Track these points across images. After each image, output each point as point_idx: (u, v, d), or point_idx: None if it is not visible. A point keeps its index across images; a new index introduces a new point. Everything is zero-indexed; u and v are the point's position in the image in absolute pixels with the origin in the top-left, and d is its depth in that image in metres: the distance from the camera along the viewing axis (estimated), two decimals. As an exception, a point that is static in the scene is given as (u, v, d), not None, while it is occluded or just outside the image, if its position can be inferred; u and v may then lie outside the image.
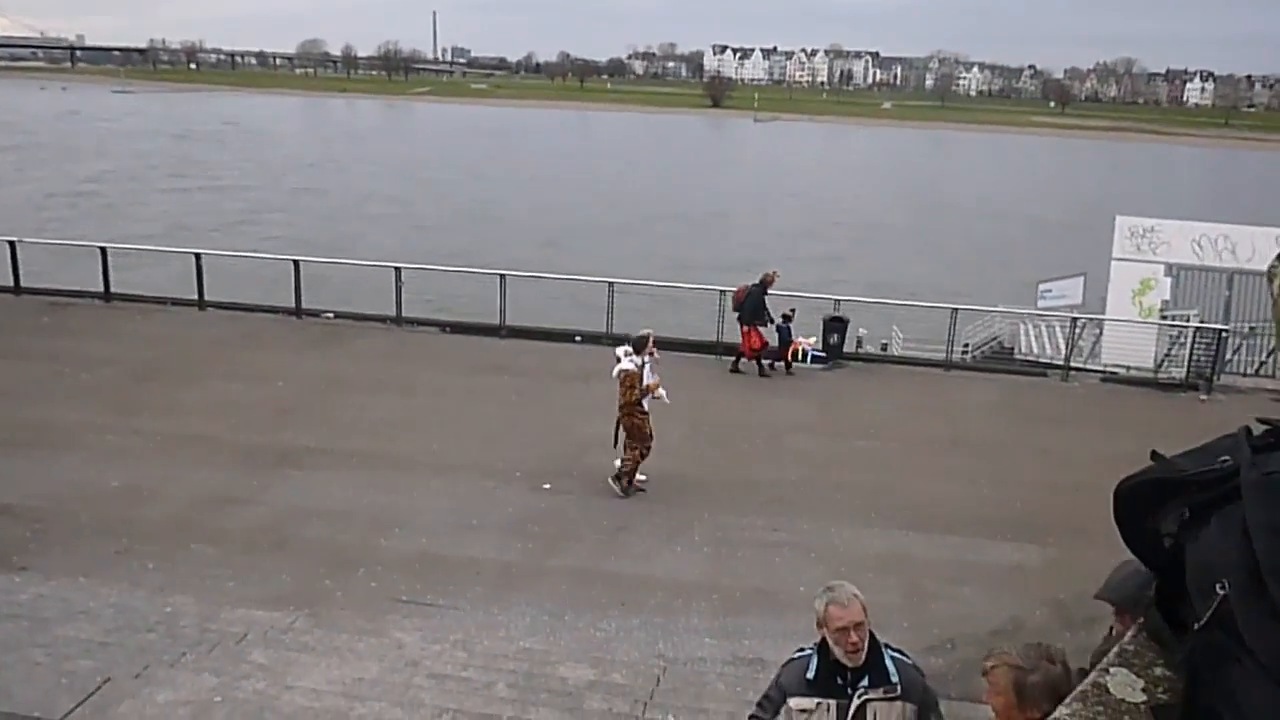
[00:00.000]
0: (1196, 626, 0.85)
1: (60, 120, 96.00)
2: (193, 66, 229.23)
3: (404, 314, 17.99)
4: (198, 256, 18.56)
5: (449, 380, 14.92)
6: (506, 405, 13.87)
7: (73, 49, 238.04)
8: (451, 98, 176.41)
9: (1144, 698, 0.95)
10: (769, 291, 16.18)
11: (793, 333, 16.74)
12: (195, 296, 18.27)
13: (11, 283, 18.67)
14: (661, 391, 10.99)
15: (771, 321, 16.30)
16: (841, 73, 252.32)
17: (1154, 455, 1.01)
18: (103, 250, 18.65)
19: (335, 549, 9.38)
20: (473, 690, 7.06)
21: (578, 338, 17.61)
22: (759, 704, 4.09)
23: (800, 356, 16.87)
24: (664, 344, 17.53)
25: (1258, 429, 1.00)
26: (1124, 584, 4.07)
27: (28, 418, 12.34)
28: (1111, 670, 0.99)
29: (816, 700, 3.87)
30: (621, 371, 10.85)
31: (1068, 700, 0.97)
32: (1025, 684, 3.15)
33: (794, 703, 3.92)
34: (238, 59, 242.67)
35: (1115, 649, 1.04)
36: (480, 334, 17.70)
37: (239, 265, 22.78)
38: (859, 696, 3.83)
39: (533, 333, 17.76)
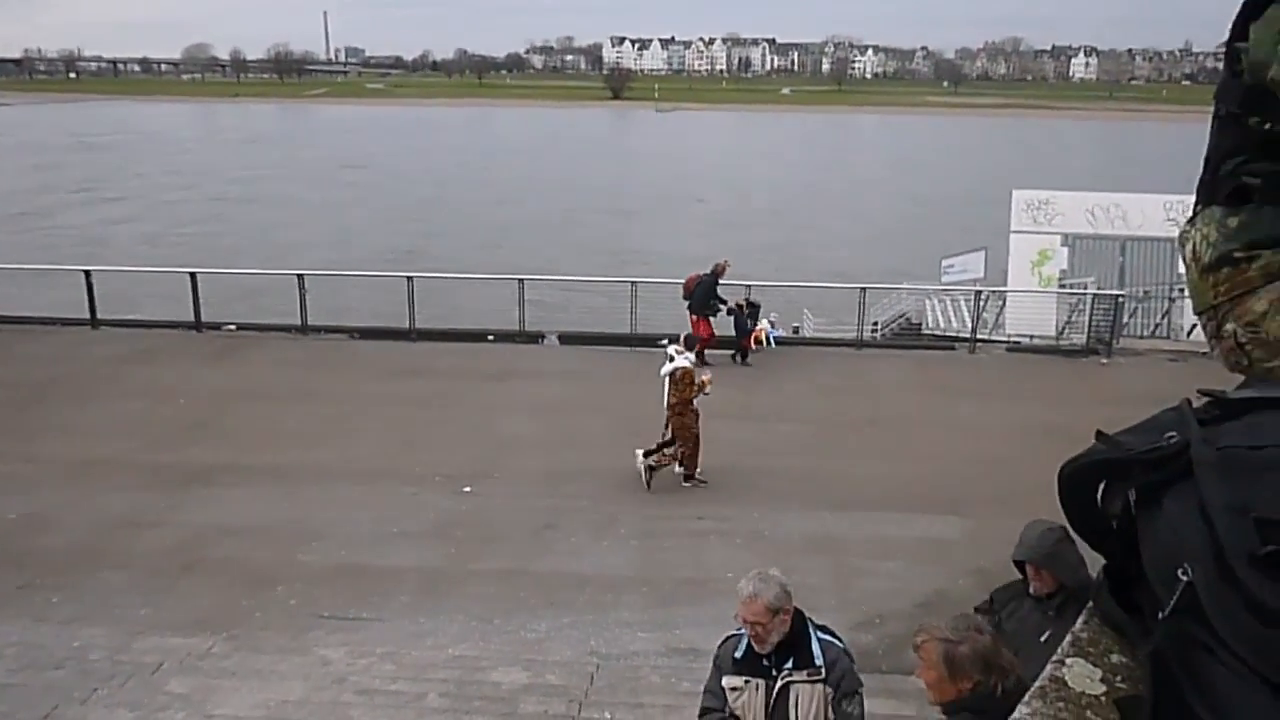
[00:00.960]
0: (1161, 616, 0.82)
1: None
2: (72, 75, 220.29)
3: (310, 321, 17.55)
4: (87, 274, 17.79)
5: (361, 386, 14.59)
6: (421, 408, 13.62)
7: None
8: (348, 99, 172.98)
9: (1104, 689, 0.92)
10: (720, 281, 16.15)
11: (750, 321, 16.59)
12: (87, 315, 17.54)
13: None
14: (710, 388, 11.12)
15: (722, 311, 16.20)
16: (740, 60, 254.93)
17: (1099, 435, 0.97)
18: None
19: (252, 567, 9.08)
20: (403, 703, 6.92)
21: (490, 337, 17.42)
22: (706, 692, 4.17)
23: (765, 342, 16.85)
24: (580, 338, 17.61)
25: (1198, 400, 0.97)
26: (1039, 543, 4.18)
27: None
28: (1068, 661, 0.96)
29: (745, 679, 4.01)
30: (678, 369, 10.86)
31: (1026, 698, 0.93)
32: (955, 655, 3.21)
33: (725, 681, 4.07)
34: (120, 66, 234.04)
35: (1069, 638, 1.00)
36: (390, 338, 17.37)
37: (139, 282, 21.97)
38: (782, 678, 3.96)
39: (444, 334, 17.51)
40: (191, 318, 17.47)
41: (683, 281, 16.46)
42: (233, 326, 17.73)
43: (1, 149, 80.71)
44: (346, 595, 8.63)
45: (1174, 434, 0.90)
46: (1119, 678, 0.93)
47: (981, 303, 18.85)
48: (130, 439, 12.16)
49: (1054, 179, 35.68)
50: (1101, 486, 0.99)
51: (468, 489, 10.88)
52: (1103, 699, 0.91)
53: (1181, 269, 1.20)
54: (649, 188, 59.84)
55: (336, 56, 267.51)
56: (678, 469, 11.02)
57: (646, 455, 11.00)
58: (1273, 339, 1.09)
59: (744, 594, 3.93)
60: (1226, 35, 1.14)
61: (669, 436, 11.10)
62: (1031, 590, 4.24)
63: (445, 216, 46.20)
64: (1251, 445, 0.83)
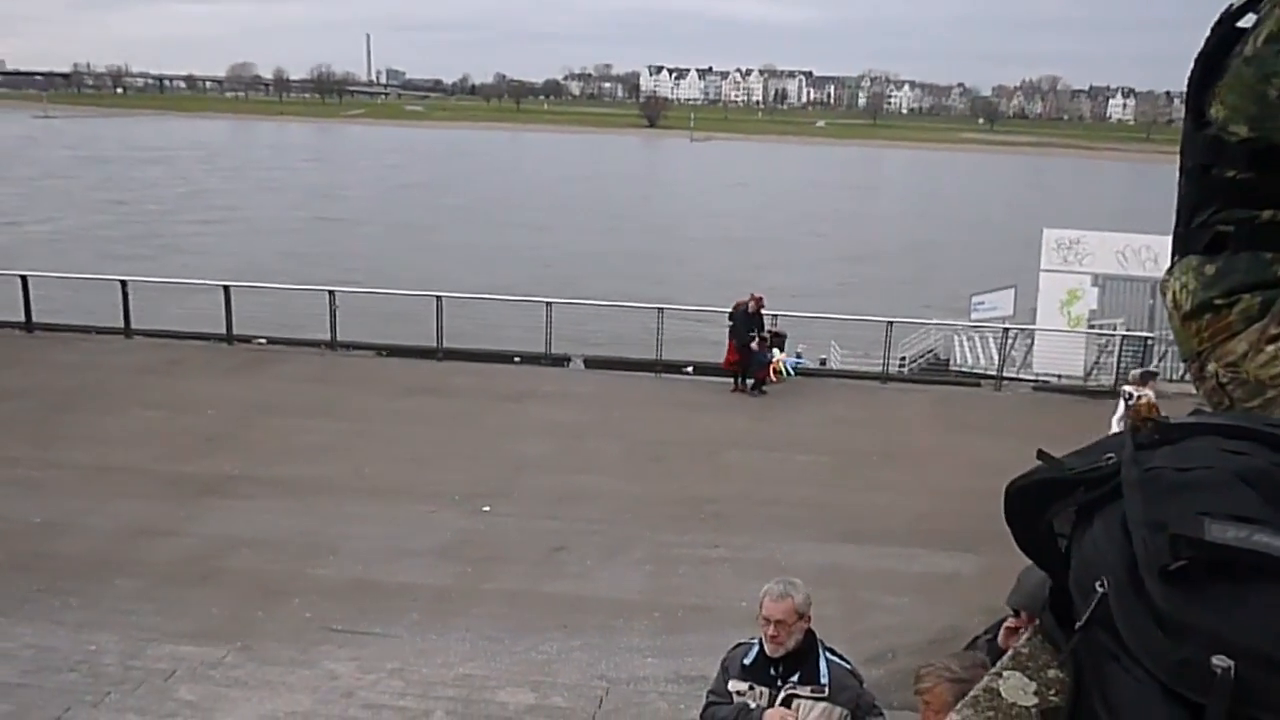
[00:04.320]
0: (1077, 625, 0.83)
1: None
2: (119, 90, 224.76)
3: (339, 338, 17.73)
4: (124, 284, 18.12)
5: (383, 403, 14.69)
6: (442, 427, 13.70)
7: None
8: (386, 120, 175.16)
9: (1035, 700, 0.93)
10: (755, 313, 16.11)
11: (772, 352, 16.49)
12: (122, 324, 17.83)
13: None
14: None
15: (752, 342, 16.08)
16: (776, 92, 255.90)
17: (1040, 454, 0.99)
18: (23, 279, 18.10)
19: (266, 579, 9.14)
20: (410, 719, 6.92)
21: (516, 359, 17.52)
22: (712, 691, 4.26)
23: (784, 373, 16.73)
24: (605, 362, 17.66)
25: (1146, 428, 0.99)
26: (1036, 591, 4.12)
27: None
28: (1005, 674, 0.97)
29: (749, 684, 4.08)
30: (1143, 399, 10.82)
31: (959, 707, 0.94)
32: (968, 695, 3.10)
33: (731, 685, 4.14)
34: (166, 83, 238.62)
35: (1010, 652, 1.01)
36: (417, 357, 17.51)
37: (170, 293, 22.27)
38: (786, 689, 4.01)
39: (471, 354, 17.62)
40: (223, 330, 17.73)
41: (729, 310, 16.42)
42: (263, 340, 17.95)
43: (73, 160, 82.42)
44: (358, 610, 8.65)
45: (1112, 455, 0.92)
46: (1052, 691, 0.94)
47: (1009, 341, 18.77)
48: (150, 448, 12.30)
49: (1086, 219, 35.53)
50: (1044, 505, 1.00)
51: (486, 508, 10.91)
52: (1032, 710, 0.92)
53: None
54: (751, 218, 59.77)
55: (377, 78, 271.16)
56: None
57: None
58: (1253, 379, 1.12)
59: (774, 593, 4.02)
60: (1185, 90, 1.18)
61: None
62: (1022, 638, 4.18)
63: (558, 244, 46.10)
64: (1178, 467, 0.85)
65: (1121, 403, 11.06)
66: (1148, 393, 10.89)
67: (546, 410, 14.74)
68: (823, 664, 4.06)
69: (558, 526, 10.50)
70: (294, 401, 14.59)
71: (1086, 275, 19.29)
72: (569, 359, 17.63)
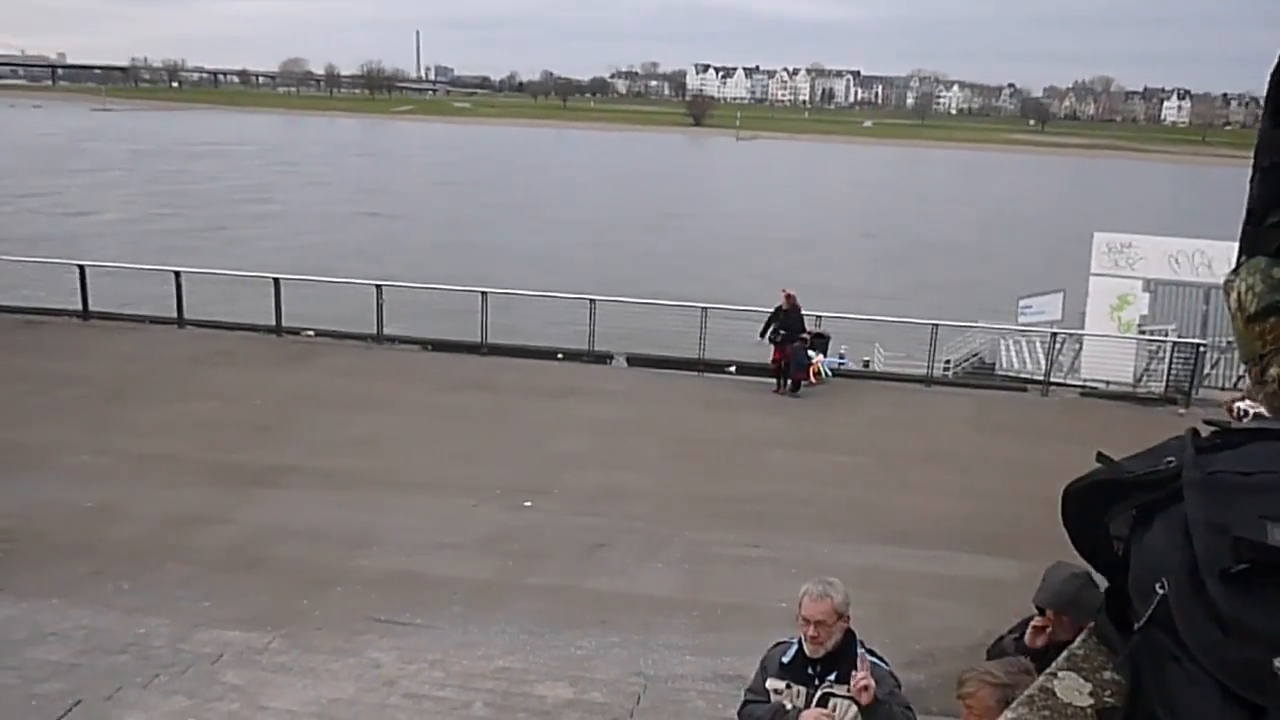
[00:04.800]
0: (1136, 626, 0.84)
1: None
2: (174, 85, 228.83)
3: (384, 331, 17.94)
4: (177, 275, 18.47)
5: (428, 397, 14.85)
6: (485, 422, 13.81)
7: (54, 67, 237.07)
8: (434, 116, 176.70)
9: (1091, 701, 0.93)
10: (790, 311, 16.08)
11: (812, 353, 16.34)
12: (175, 314, 18.18)
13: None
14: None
15: (778, 342, 16.05)
16: (823, 91, 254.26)
17: (1100, 457, 1.00)
18: (81, 269, 18.53)
19: (311, 568, 9.28)
20: (449, 709, 7.00)
21: (559, 355, 17.61)
22: (750, 690, 4.31)
23: (822, 374, 16.53)
24: (648, 360, 17.68)
25: (1205, 430, 1.00)
26: (1062, 589, 4.09)
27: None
28: (1059, 674, 0.98)
29: (787, 683, 4.11)
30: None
31: (1014, 705, 0.95)
32: (1012, 700, 3.05)
33: (769, 683, 4.17)
34: (220, 77, 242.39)
35: (1064, 654, 1.02)
36: (461, 351, 17.66)
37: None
38: (823, 689, 4.03)
39: (514, 350, 17.74)
40: (273, 322, 18.02)
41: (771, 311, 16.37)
42: (311, 332, 18.20)
43: (132, 154, 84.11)
44: (400, 601, 8.76)
45: (1172, 459, 0.92)
46: (1108, 692, 0.95)
47: (1057, 345, 18.50)
48: (202, 437, 12.53)
49: (1138, 223, 34.93)
50: (1103, 508, 1.01)
51: (528, 504, 10.99)
52: (1088, 711, 0.93)
53: None
54: (796, 218, 59.60)
55: (426, 75, 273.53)
56: None
57: None
58: None
59: (813, 593, 4.05)
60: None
61: None
62: (1050, 636, 4.15)
63: (603, 243, 45.95)
64: (1240, 471, 0.85)
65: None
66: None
67: (588, 407, 14.81)
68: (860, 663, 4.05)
69: (598, 523, 10.55)
70: (341, 394, 14.79)
71: (1138, 280, 18.95)
72: (611, 356, 17.68)
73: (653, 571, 9.58)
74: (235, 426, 13.03)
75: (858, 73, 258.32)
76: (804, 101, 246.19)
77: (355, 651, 7.82)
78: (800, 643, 4.10)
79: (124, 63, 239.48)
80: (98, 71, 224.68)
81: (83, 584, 8.69)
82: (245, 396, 14.29)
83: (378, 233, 47.05)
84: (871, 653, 4.16)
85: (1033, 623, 4.21)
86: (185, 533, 9.89)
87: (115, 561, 9.14)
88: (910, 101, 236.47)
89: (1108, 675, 0.97)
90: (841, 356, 18.78)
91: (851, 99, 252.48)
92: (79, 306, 18.33)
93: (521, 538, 10.16)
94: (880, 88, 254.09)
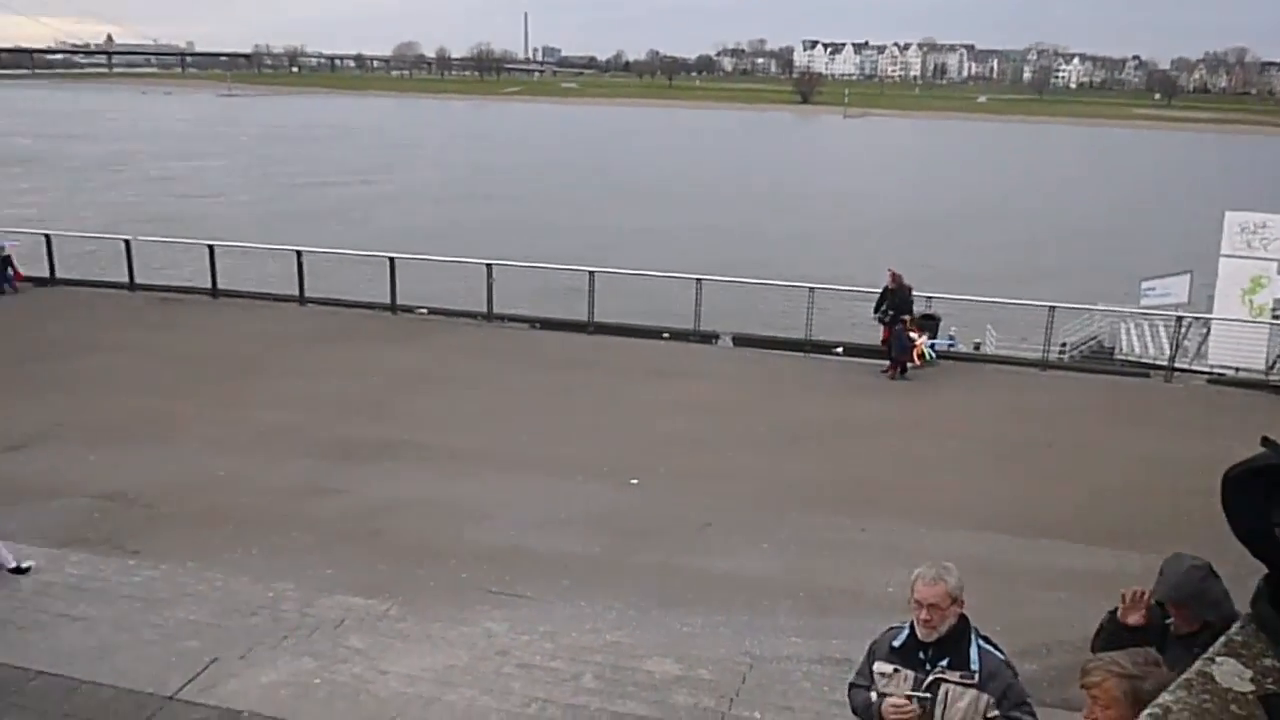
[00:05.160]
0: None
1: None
2: (295, 70, 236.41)
3: (495, 310, 18.29)
4: (299, 254, 19.17)
5: (538, 375, 15.11)
6: (592, 400, 14.00)
7: (183, 55, 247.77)
8: (542, 97, 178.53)
9: (1252, 687, 0.93)
10: (898, 290, 15.82)
11: (910, 337, 15.92)
12: (297, 292, 18.90)
13: (126, 279, 19.61)
14: None
15: (887, 322, 15.77)
16: (935, 67, 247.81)
17: (1265, 441, 0.99)
18: (210, 248, 19.39)
19: (427, 540, 9.58)
20: (560, 680, 7.16)
21: (665, 334, 17.68)
22: (857, 673, 4.24)
23: (926, 357, 16.13)
24: (754, 340, 17.62)
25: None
26: (1182, 582, 3.97)
27: (139, 408, 12.92)
28: (1218, 660, 0.98)
29: (895, 667, 4.00)
30: None
31: (1171, 687, 0.96)
32: (1141, 692, 2.85)
33: (877, 666, 4.07)
34: (337, 62, 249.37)
35: (1222, 640, 1.01)
36: (569, 330, 17.89)
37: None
38: (934, 674, 3.92)
39: (621, 329, 17.88)
40: (388, 300, 18.56)
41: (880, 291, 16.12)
42: (424, 310, 18.69)
43: (258, 138, 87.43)
44: (511, 574, 8.97)
45: None
46: (1270, 679, 0.94)
47: (1183, 330, 17.75)
48: (320, 411, 13.04)
49: (1274, 202, 33.12)
50: (1267, 493, 1.00)
51: (635, 482, 11.11)
52: (1249, 696, 0.93)
53: None
54: (906, 198, 58.59)
55: (534, 56, 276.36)
56: None
57: None
58: None
59: (926, 577, 3.93)
60: None
61: None
62: (1172, 630, 4.04)
63: (710, 223, 45.96)
64: None
65: None
66: None
67: (694, 387, 14.85)
68: (974, 651, 3.93)
69: (704, 503, 10.60)
70: (454, 371, 15.17)
71: (1272, 262, 18.02)
72: (717, 336, 17.67)
73: (759, 553, 9.58)
74: (352, 402, 13.51)
75: (972, 46, 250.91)
76: (915, 77, 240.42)
77: (469, 621, 8.05)
78: (912, 626, 3.99)
79: (248, 50, 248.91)
80: (224, 59, 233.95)
81: (217, 549, 9.16)
82: (362, 373, 14.78)
83: (490, 213, 47.86)
84: (987, 640, 4.03)
85: (1126, 596, 4.10)
86: (308, 502, 10.33)
87: (245, 528, 9.62)
88: (1027, 76, 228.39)
89: (1269, 662, 0.97)
90: (951, 338, 18.38)
91: (965, 74, 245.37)
92: (209, 285, 19.21)
93: (628, 516, 10.29)
94: (995, 62, 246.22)
